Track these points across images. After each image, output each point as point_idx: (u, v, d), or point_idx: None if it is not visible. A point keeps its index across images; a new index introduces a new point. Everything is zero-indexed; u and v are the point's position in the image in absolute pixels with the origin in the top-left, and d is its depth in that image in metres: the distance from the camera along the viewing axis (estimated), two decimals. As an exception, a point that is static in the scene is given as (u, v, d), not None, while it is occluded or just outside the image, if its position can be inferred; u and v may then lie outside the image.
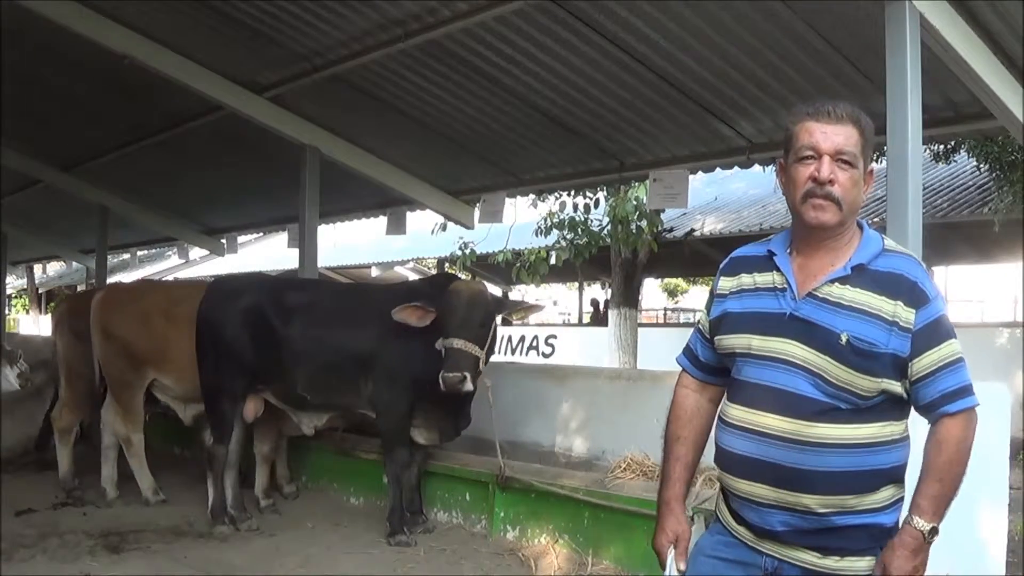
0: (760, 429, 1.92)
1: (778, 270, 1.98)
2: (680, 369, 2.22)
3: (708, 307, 2.13)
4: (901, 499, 1.95)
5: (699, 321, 2.18)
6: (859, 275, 1.90)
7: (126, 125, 8.53)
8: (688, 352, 2.20)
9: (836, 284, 1.90)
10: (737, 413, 1.98)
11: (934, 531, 1.84)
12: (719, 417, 2.06)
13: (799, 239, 1.99)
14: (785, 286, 1.95)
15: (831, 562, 1.89)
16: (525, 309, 5.30)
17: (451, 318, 4.73)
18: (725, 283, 2.08)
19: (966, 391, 1.88)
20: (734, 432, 1.98)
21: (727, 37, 4.92)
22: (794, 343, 1.90)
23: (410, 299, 5.08)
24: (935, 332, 1.87)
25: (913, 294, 1.87)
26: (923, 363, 1.86)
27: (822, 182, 1.88)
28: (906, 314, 1.85)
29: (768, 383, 1.92)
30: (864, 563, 1.89)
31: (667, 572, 2.09)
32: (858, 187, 1.92)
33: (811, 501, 1.87)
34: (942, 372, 1.86)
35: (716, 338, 2.07)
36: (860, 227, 1.99)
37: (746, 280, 2.04)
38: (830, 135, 1.89)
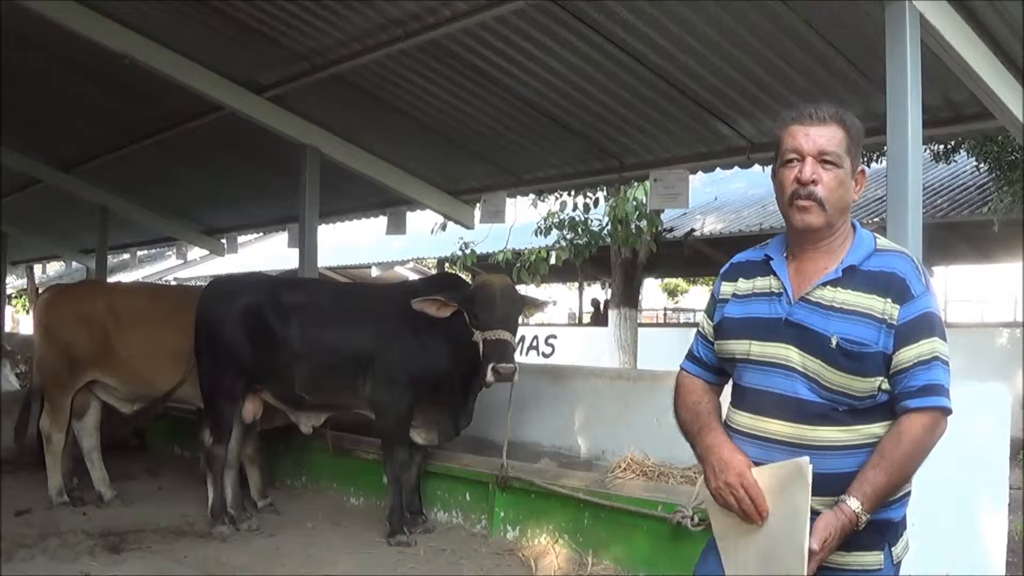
0: (763, 434, 1.93)
1: (775, 275, 2.00)
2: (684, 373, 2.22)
3: (709, 312, 2.14)
4: (908, 494, 1.95)
5: (700, 325, 2.19)
6: (850, 276, 1.91)
7: (126, 125, 8.53)
8: (690, 355, 2.21)
9: (828, 287, 1.91)
10: (742, 419, 1.99)
11: (863, 521, 1.80)
12: (725, 423, 2.06)
13: (793, 243, 2.00)
14: (781, 290, 1.97)
15: (838, 557, 1.89)
16: (537, 306, 5.33)
17: (491, 310, 4.72)
18: (725, 288, 2.10)
19: (934, 390, 1.85)
20: (740, 438, 1.99)
21: (727, 37, 4.92)
22: (790, 347, 1.91)
23: (409, 299, 5.09)
24: (917, 328, 1.86)
25: (901, 291, 1.87)
26: (901, 358, 1.86)
27: (804, 182, 1.89)
28: (892, 310, 1.86)
29: (769, 388, 1.94)
30: (871, 557, 1.90)
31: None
32: (844, 187, 1.92)
33: (818, 503, 1.86)
34: (916, 368, 1.85)
35: (717, 343, 2.08)
36: (853, 228, 1.99)
37: (744, 285, 2.05)
38: (812, 136, 1.91)
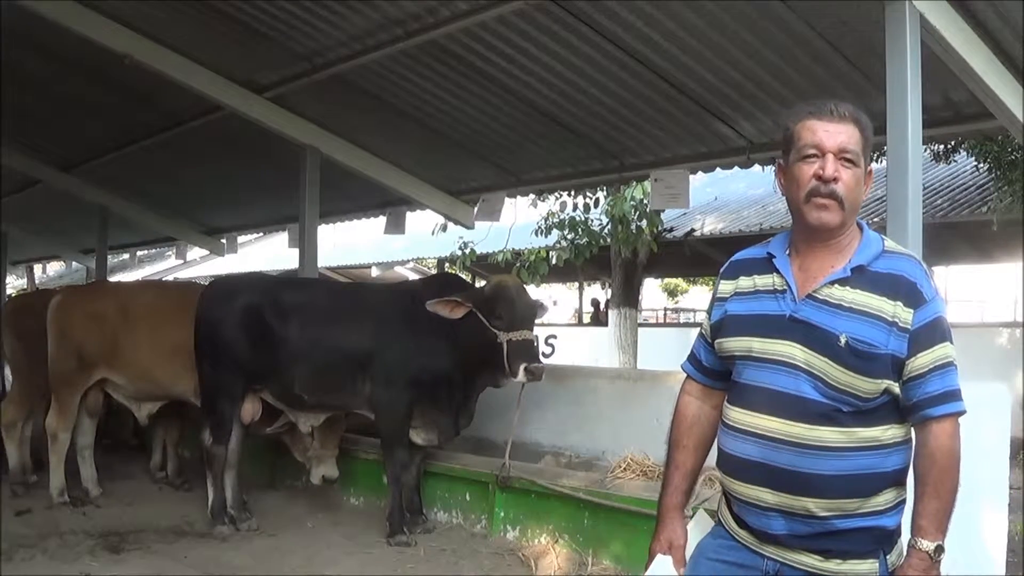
0: (762, 432, 1.91)
1: (778, 272, 1.97)
2: (684, 375, 2.22)
3: (709, 311, 2.12)
4: (903, 501, 1.94)
5: (702, 326, 2.18)
6: (859, 276, 1.89)
7: (126, 125, 8.53)
8: (692, 358, 2.19)
9: (836, 285, 1.90)
10: (739, 416, 1.97)
11: (940, 549, 1.84)
12: (721, 420, 2.05)
13: (800, 240, 1.98)
14: (785, 288, 1.94)
15: (833, 565, 1.88)
16: (541, 308, 5.39)
17: (513, 311, 4.76)
18: (725, 286, 2.07)
19: (953, 396, 1.87)
20: (736, 435, 1.97)
21: (727, 37, 4.92)
22: (795, 345, 1.89)
23: (409, 299, 5.10)
24: (931, 333, 1.86)
25: (912, 294, 1.86)
26: (916, 363, 1.85)
27: (827, 180, 1.86)
28: (905, 314, 1.85)
29: (769, 386, 1.92)
30: (866, 566, 1.89)
31: (647, 573, 2.12)
32: (860, 186, 1.91)
33: (812, 505, 1.86)
34: (932, 374, 1.85)
35: (717, 341, 2.06)
36: (860, 228, 1.98)
37: (745, 283, 2.03)
38: (833, 133, 1.88)
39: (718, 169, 7.03)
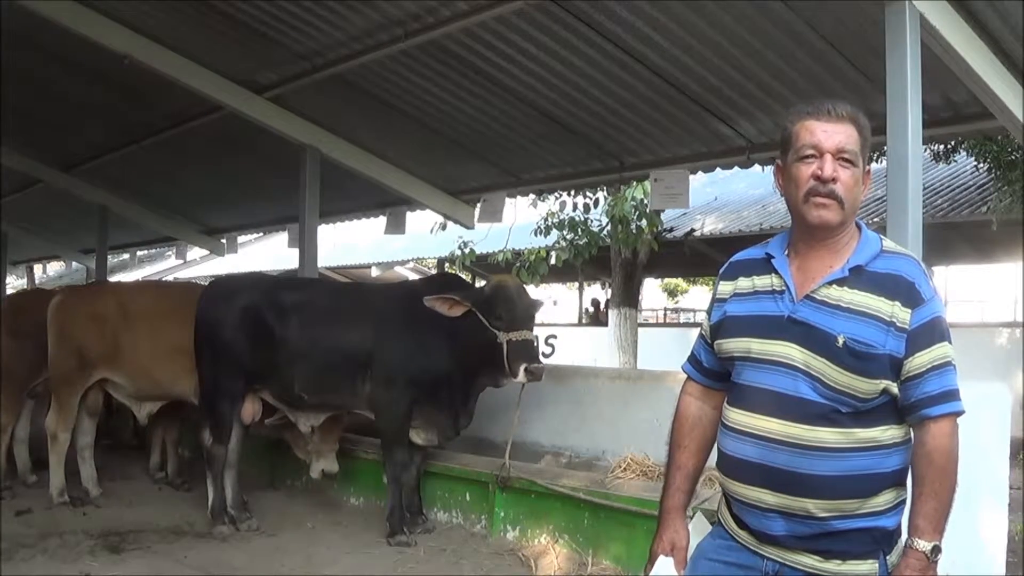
0: (761, 433, 1.91)
1: (776, 272, 1.97)
2: (685, 376, 2.22)
3: (709, 312, 2.12)
4: (903, 501, 1.94)
5: (701, 327, 2.18)
6: (857, 276, 1.89)
7: (126, 125, 8.54)
8: (692, 359, 2.19)
9: (834, 286, 1.90)
10: (738, 417, 1.97)
11: (937, 549, 1.84)
12: (721, 421, 2.05)
13: (799, 240, 1.98)
14: (783, 288, 1.95)
15: (832, 566, 1.88)
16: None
17: (513, 311, 4.76)
18: (724, 287, 2.08)
19: (951, 396, 1.87)
20: (735, 436, 1.97)
21: (727, 37, 4.92)
22: (793, 346, 1.89)
23: (409, 298, 5.10)
24: (930, 333, 1.86)
25: (910, 294, 1.86)
26: (914, 363, 1.85)
27: (825, 180, 1.86)
28: (903, 314, 1.85)
29: (768, 386, 1.92)
30: (866, 566, 1.88)
31: (649, 574, 2.12)
32: (858, 186, 1.91)
33: (812, 505, 1.86)
34: (930, 374, 1.85)
35: (716, 342, 2.06)
36: (859, 228, 1.98)
37: (744, 284, 2.03)
38: (831, 134, 1.88)
39: (718, 169, 7.02)
